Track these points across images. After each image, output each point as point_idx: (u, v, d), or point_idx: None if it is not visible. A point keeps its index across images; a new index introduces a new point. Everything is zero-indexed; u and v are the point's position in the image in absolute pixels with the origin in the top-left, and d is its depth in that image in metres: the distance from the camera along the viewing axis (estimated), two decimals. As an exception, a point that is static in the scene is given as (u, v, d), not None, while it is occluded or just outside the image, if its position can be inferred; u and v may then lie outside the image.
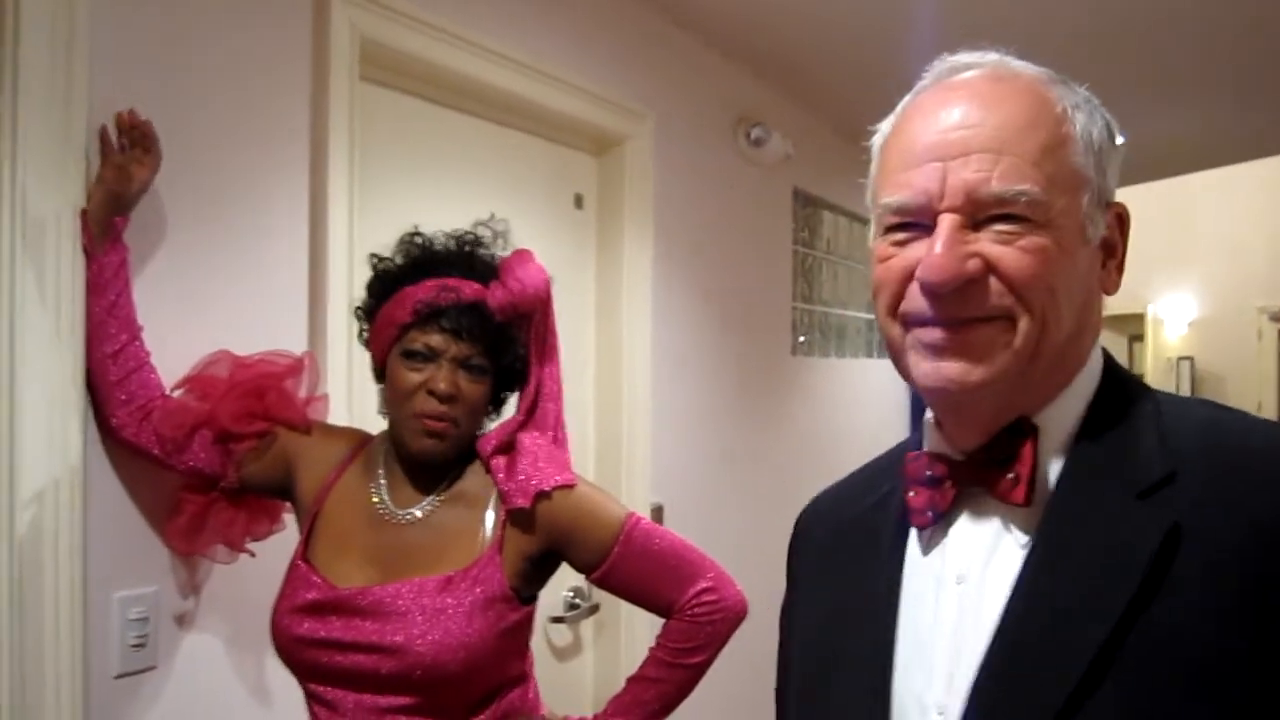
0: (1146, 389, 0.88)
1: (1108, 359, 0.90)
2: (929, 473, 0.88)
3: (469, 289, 1.50)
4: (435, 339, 1.48)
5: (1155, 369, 10.07)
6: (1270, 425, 0.83)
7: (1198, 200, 9.23)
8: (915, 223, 0.83)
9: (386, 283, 1.54)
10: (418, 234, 1.57)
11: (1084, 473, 0.81)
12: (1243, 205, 9.30)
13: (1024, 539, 0.82)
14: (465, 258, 1.55)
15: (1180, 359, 10.03)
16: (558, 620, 2.75)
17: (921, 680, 0.84)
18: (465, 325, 1.48)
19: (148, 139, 1.54)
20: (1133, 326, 10.38)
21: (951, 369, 0.81)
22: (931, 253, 0.79)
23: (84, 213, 1.50)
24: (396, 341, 1.49)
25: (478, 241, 1.58)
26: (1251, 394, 9.14)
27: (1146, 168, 4.92)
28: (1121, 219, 0.88)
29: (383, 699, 1.40)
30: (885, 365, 4.55)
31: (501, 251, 1.60)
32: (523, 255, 1.57)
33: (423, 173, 2.33)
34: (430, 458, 1.51)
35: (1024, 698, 0.75)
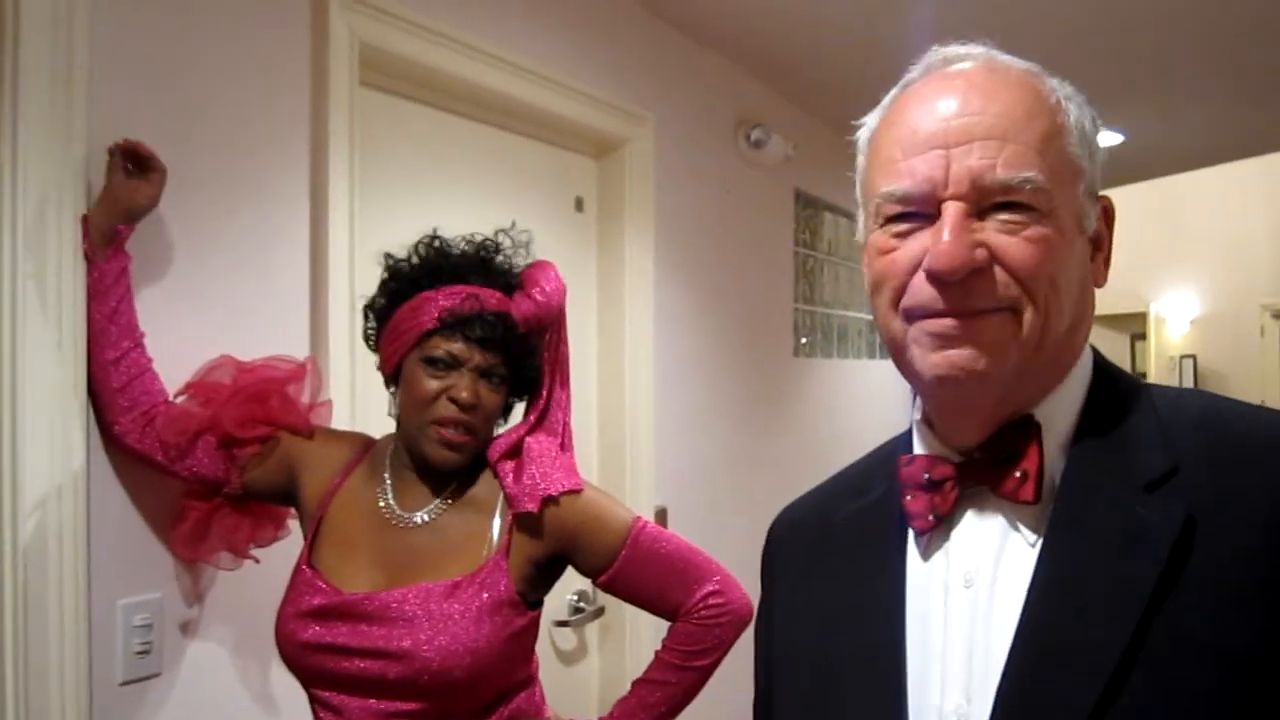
0: (1139, 382, 0.88)
1: (1096, 354, 0.89)
2: (928, 475, 0.86)
3: (493, 298, 1.50)
4: (459, 347, 1.47)
5: (1158, 368, 10.05)
6: (1268, 412, 0.83)
7: (1199, 197, 9.22)
8: (916, 212, 0.82)
9: (403, 284, 1.53)
10: (437, 237, 1.57)
11: (1089, 468, 0.80)
12: (1244, 202, 9.29)
13: (1033, 537, 0.81)
14: (484, 265, 1.55)
15: (1183, 357, 10.02)
16: (562, 624, 2.74)
17: (937, 688, 0.82)
18: (489, 335, 1.48)
19: (148, 160, 1.54)
20: (1135, 325, 10.36)
21: (961, 356, 0.80)
22: (939, 241, 0.78)
23: (85, 219, 1.50)
24: (416, 346, 1.49)
25: (496, 249, 1.58)
26: (1255, 391, 9.11)
27: (1147, 166, 4.92)
28: (1108, 212, 0.88)
29: (388, 704, 1.40)
30: (887, 366, 4.54)
31: (521, 260, 1.60)
32: (545, 266, 1.57)
33: (423, 177, 2.33)
34: (447, 466, 1.50)
35: (1052, 701, 0.73)
